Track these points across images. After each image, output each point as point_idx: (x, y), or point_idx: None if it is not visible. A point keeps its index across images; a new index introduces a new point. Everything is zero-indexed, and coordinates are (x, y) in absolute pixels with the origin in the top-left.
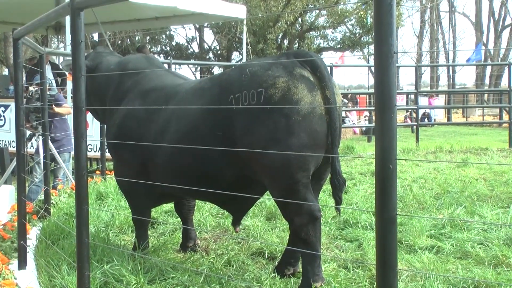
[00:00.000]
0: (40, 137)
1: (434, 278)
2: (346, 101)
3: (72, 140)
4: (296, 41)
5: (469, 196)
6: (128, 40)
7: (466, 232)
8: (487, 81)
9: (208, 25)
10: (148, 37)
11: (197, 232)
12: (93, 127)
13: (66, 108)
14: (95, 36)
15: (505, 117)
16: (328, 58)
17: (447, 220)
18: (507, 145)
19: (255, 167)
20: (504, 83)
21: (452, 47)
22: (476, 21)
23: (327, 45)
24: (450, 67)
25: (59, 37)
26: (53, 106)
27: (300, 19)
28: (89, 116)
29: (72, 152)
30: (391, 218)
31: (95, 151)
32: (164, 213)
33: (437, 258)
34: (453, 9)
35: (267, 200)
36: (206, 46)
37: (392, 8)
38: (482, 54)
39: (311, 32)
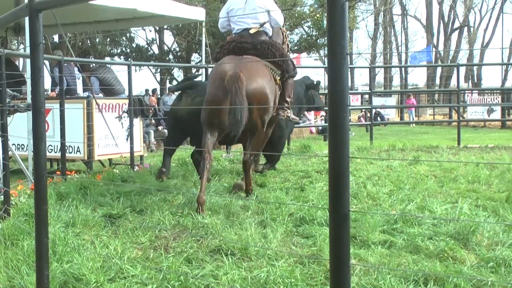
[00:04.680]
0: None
1: (387, 271)
2: None
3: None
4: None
5: (420, 192)
6: (89, 42)
7: (417, 227)
8: (437, 81)
9: (168, 27)
10: (108, 39)
11: (157, 231)
12: (54, 128)
13: None
14: (55, 38)
15: (454, 116)
16: None
17: (399, 216)
18: (456, 143)
19: None
20: (453, 84)
21: (404, 49)
22: (427, 24)
23: None
24: (403, 68)
25: (19, 38)
26: None
27: None
28: (49, 117)
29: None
30: (344, 214)
31: (55, 152)
32: (127, 210)
33: (390, 253)
34: (405, 12)
35: (226, 198)
36: (166, 48)
37: (345, 10)
38: (433, 55)
39: None
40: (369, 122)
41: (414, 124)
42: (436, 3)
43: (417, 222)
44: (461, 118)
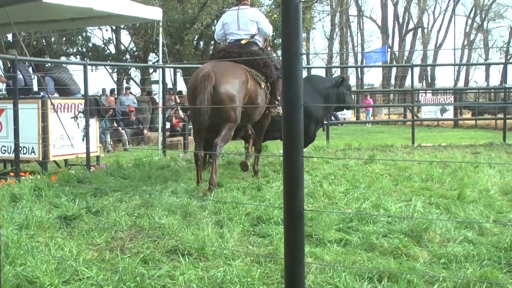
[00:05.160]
0: None
1: (342, 269)
2: None
3: None
4: (212, 43)
5: (375, 191)
6: (44, 41)
7: (372, 225)
8: (392, 81)
9: (125, 27)
10: (64, 38)
11: (113, 232)
12: (7, 129)
13: None
14: (9, 37)
15: (409, 116)
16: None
17: (355, 214)
18: (411, 142)
19: None
20: (408, 84)
21: (360, 49)
22: (382, 25)
23: None
24: (359, 68)
25: None
26: None
27: (216, 21)
28: (3, 117)
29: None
30: (298, 213)
31: (9, 153)
32: (83, 211)
33: (345, 251)
34: (361, 13)
35: (183, 198)
36: (122, 47)
37: (299, 11)
38: (388, 56)
39: None
40: (326, 122)
41: (370, 124)
42: (391, 4)
43: (372, 220)
44: (415, 118)
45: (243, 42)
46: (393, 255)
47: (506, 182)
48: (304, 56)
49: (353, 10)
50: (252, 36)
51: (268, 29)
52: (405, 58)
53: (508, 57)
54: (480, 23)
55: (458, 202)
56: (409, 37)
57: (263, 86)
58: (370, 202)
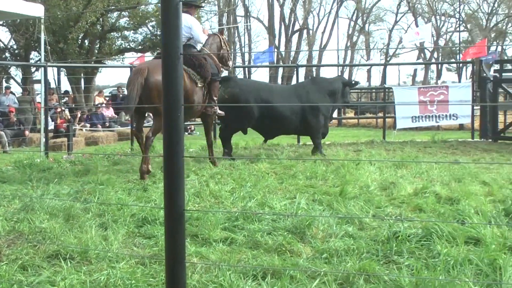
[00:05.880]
0: None
1: (227, 268)
2: None
3: None
4: (97, 42)
5: (261, 189)
6: None
7: (257, 223)
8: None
9: (4, 23)
10: None
11: None
12: None
13: None
14: None
15: None
16: (129, 59)
17: (240, 213)
18: (296, 141)
19: None
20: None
21: (247, 49)
22: (269, 26)
23: (128, 46)
24: (246, 68)
25: None
26: None
27: (101, 20)
28: None
29: None
30: (179, 213)
31: None
32: None
33: (231, 249)
34: (248, 13)
35: (66, 201)
36: (1, 45)
37: (178, 11)
38: (275, 56)
39: (112, 33)
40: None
41: None
42: (277, 5)
43: (257, 218)
44: None
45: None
46: (277, 252)
47: (385, 178)
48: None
49: (240, 11)
50: (188, 39)
51: (200, 36)
52: (291, 58)
53: (388, 59)
54: (362, 26)
55: (340, 199)
56: (295, 38)
57: (199, 85)
58: (255, 200)
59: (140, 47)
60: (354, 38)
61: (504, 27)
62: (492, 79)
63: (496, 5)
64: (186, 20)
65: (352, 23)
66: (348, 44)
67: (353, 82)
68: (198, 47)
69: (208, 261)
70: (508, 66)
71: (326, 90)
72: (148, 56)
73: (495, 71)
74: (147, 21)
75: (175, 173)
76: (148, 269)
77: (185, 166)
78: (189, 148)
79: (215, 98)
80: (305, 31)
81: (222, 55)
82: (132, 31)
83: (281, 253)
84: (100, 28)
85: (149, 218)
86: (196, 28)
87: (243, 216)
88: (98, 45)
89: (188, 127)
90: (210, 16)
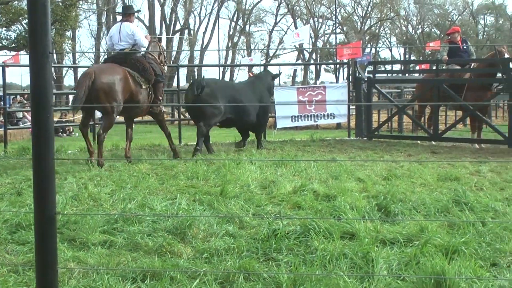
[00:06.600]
0: None
1: (105, 272)
2: (25, 101)
3: None
4: None
5: (141, 191)
6: None
7: (137, 225)
8: None
9: None
10: None
11: None
12: None
13: None
14: None
15: (177, 115)
16: (2, 57)
17: (120, 215)
18: (178, 141)
19: None
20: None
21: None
22: (150, 25)
23: (1, 44)
24: None
25: None
26: None
27: None
28: None
29: None
30: (50, 217)
31: None
32: None
33: (110, 252)
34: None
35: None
36: None
37: (46, 8)
38: None
39: None
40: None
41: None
42: (158, 5)
43: (138, 220)
44: (181, 117)
45: (126, 50)
46: (158, 253)
47: (265, 177)
48: (71, 55)
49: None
50: (133, 45)
51: (142, 40)
52: (172, 58)
53: (268, 59)
54: (242, 27)
55: (221, 198)
56: (176, 38)
57: (144, 87)
58: (136, 202)
59: (13, 45)
60: (235, 39)
61: (377, 30)
62: (366, 79)
63: (369, 9)
64: (128, 28)
65: (233, 24)
66: (229, 44)
67: (276, 74)
68: (142, 50)
69: (85, 266)
70: (381, 68)
71: (267, 86)
72: (23, 55)
73: (369, 72)
74: (20, 18)
75: (45, 175)
76: (22, 276)
77: (63, 168)
78: (67, 150)
79: (160, 98)
80: (186, 31)
81: (161, 60)
82: (4, 28)
83: (161, 254)
84: None
85: (23, 223)
86: (138, 34)
87: (122, 218)
88: None
89: (67, 128)
90: (89, 14)
